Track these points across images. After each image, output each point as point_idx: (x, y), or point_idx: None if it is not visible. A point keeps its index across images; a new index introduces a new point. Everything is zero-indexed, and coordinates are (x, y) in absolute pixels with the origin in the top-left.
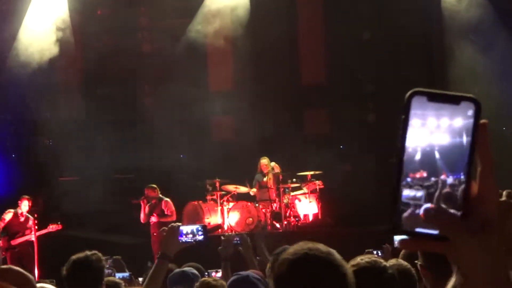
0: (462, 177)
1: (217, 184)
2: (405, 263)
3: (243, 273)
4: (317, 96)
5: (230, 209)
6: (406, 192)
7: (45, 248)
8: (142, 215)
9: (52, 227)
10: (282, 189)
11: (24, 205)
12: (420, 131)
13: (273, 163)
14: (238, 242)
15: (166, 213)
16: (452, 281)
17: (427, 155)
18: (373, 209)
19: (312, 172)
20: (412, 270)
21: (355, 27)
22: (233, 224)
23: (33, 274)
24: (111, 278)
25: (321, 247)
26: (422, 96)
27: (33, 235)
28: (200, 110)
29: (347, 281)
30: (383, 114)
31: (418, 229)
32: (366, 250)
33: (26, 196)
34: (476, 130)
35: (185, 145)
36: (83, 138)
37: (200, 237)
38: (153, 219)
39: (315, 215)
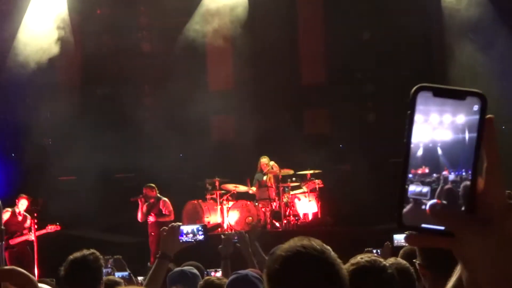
0: (464, 173)
1: (217, 183)
2: (404, 262)
3: (242, 272)
4: (317, 96)
5: (229, 208)
6: (412, 188)
7: (44, 248)
8: (139, 214)
9: (50, 228)
10: (281, 188)
11: (22, 204)
12: (423, 127)
13: (272, 163)
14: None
15: (164, 212)
16: (452, 281)
17: (430, 151)
18: (372, 208)
19: (311, 171)
20: (411, 269)
21: (355, 27)
22: (232, 223)
23: (33, 274)
24: (110, 277)
25: (315, 243)
26: (428, 91)
27: (32, 235)
28: (200, 109)
29: (341, 279)
30: (383, 114)
31: (424, 225)
32: (365, 249)
33: (24, 195)
34: (483, 125)
35: (184, 144)
36: (83, 137)
37: (201, 237)
38: (151, 218)
39: (315, 214)
